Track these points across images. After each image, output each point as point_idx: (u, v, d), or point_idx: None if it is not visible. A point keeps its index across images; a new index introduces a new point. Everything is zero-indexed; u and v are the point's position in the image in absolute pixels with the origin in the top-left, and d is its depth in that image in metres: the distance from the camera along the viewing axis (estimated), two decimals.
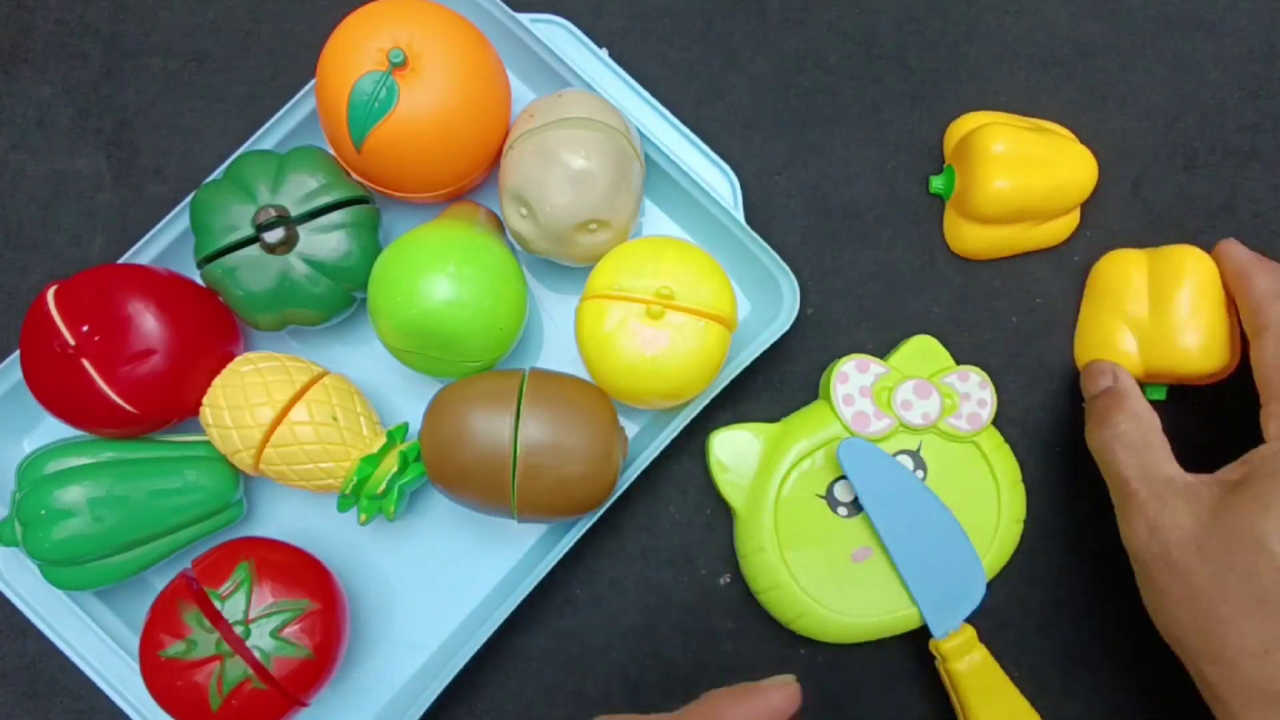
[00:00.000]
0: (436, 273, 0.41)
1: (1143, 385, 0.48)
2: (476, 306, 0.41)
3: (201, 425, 0.43)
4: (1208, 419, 0.49)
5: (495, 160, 0.45)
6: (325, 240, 0.43)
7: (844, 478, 0.44)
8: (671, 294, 0.41)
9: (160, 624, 0.40)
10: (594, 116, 0.42)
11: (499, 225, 0.46)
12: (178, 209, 0.45)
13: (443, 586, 0.46)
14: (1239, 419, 0.49)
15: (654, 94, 0.48)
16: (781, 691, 0.29)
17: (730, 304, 0.42)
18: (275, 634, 0.40)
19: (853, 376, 0.45)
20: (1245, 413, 0.49)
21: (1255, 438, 0.48)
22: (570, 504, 0.41)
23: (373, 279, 0.42)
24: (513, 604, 0.43)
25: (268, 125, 0.46)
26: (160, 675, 0.39)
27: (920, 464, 0.45)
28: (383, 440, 0.43)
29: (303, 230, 0.43)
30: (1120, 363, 0.46)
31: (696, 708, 0.29)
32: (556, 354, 0.48)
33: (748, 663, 0.47)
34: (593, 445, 0.40)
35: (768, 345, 0.45)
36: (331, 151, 0.46)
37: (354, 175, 0.45)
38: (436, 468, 0.41)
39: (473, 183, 0.46)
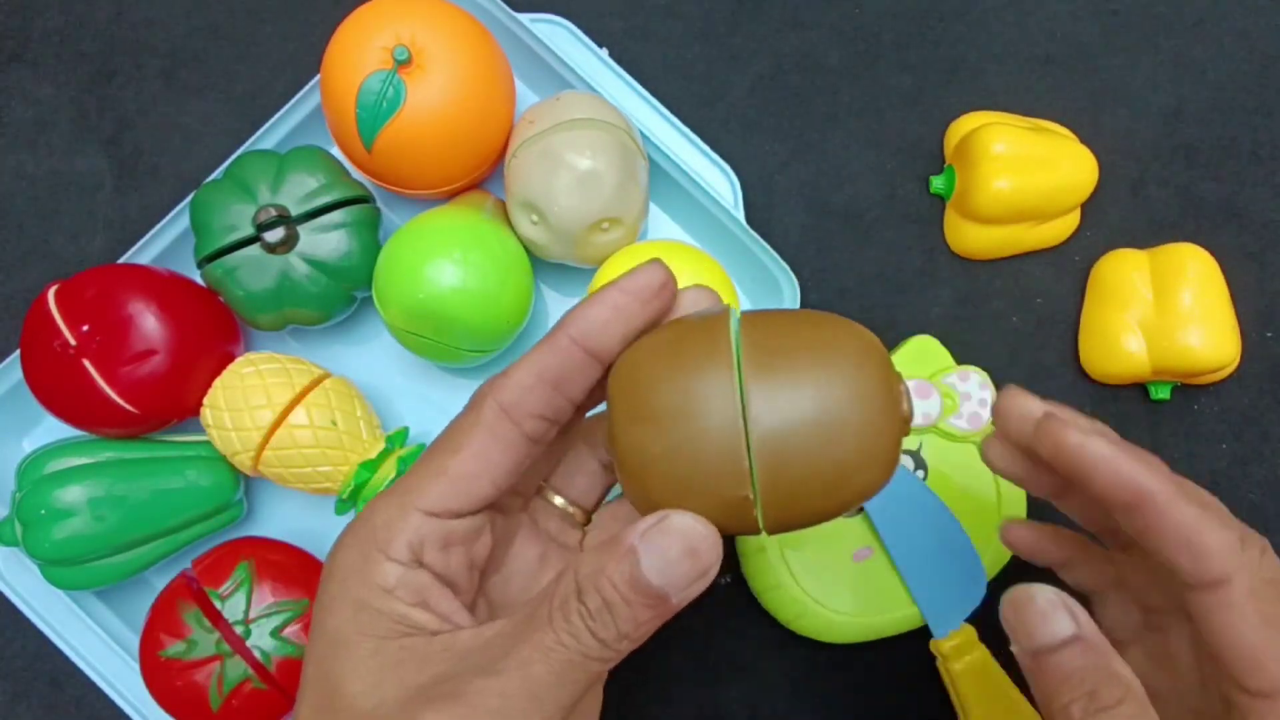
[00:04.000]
0: (443, 258, 0.41)
1: (1148, 384, 0.48)
2: (482, 294, 0.41)
3: (202, 425, 0.43)
4: (1212, 417, 0.49)
5: (504, 153, 0.45)
6: (325, 240, 0.43)
7: None
8: None
9: (160, 624, 0.40)
10: (595, 116, 0.43)
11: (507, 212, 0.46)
12: (178, 209, 0.45)
13: None
14: (1243, 416, 0.49)
15: (654, 94, 0.48)
16: (639, 274, 0.25)
17: None
18: (275, 634, 0.40)
19: None
20: (1250, 410, 0.49)
21: (1259, 436, 0.48)
22: (837, 496, 0.24)
23: (380, 262, 0.42)
24: None
25: (268, 125, 0.46)
26: (160, 675, 0.39)
27: (920, 464, 0.45)
28: (382, 445, 0.43)
29: (303, 230, 0.43)
30: (1127, 362, 0.46)
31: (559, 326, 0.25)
32: None
33: (748, 663, 0.47)
34: (857, 407, 0.23)
35: None
36: (333, 151, 0.46)
37: (362, 174, 0.45)
38: (631, 483, 0.24)
39: (482, 176, 0.46)
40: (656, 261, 0.25)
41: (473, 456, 0.24)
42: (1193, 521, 0.26)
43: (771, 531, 0.24)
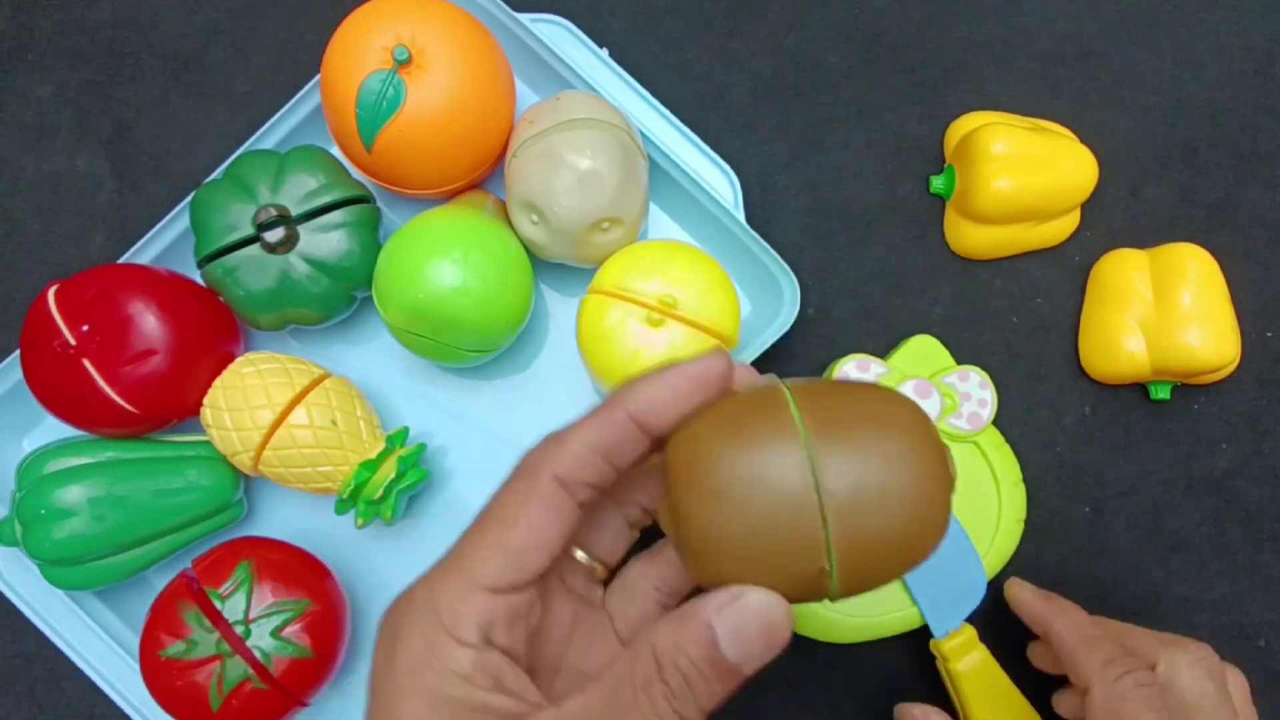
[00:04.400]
0: (443, 258, 0.41)
1: (1148, 384, 0.48)
2: (482, 293, 0.41)
3: (202, 425, 0.43)
4: (1212, 417, 0.49)
5: (504, 153, 0.45)
6: (326, 239, 0.43)
7: None
8: (675, 303, 0.41)
9: (160, 624, 0.40)
10: (595, 116, 0.42)
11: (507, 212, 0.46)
12: (178, 209, 0.45)
13: None
14: (1243, 415, 0.49)
15: (654, 94, 0.48)
16: (700, 361, 0.25)
17: (733, 322, 0.42)
18: (275, 634, 0.40)
19: (853, 376, 0.45)
20: (1250, 410, 0.49)
21: (1259, 436, 0.48)
22: (903, 561, 0.25)
23: (380, 262, 0.42)
24: None
25: (268, 125, 0.46)
26: (160, 675, 0.39)
27: None
28: (382, 445, 0.43)
29: (303, 230, 0.43)
30: (1127, 362, 0.46)
31: (615, 394, 0.26)
32: (559, 350, 0.48)
33: None
34: (918, 473, 0.24)
35: (768, 345, 0.45)
36: (334, 151, 0.46)
37: (362, 174, 0.45)
38: (699, 560, 0.24)
39: (482, 176, 0.46)
40: (720, 351, 0.26)
41: (531, 529, 0.24)
42: (1075, 644, 0.38)
43: (838, 599, 0.24)
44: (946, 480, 0.25)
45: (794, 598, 0.24)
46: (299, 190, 0.43)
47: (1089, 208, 0.49)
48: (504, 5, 0.47)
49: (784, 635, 0.23)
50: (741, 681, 0.23)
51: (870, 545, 0.23)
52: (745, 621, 0.23)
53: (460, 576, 0.24)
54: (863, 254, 0.50)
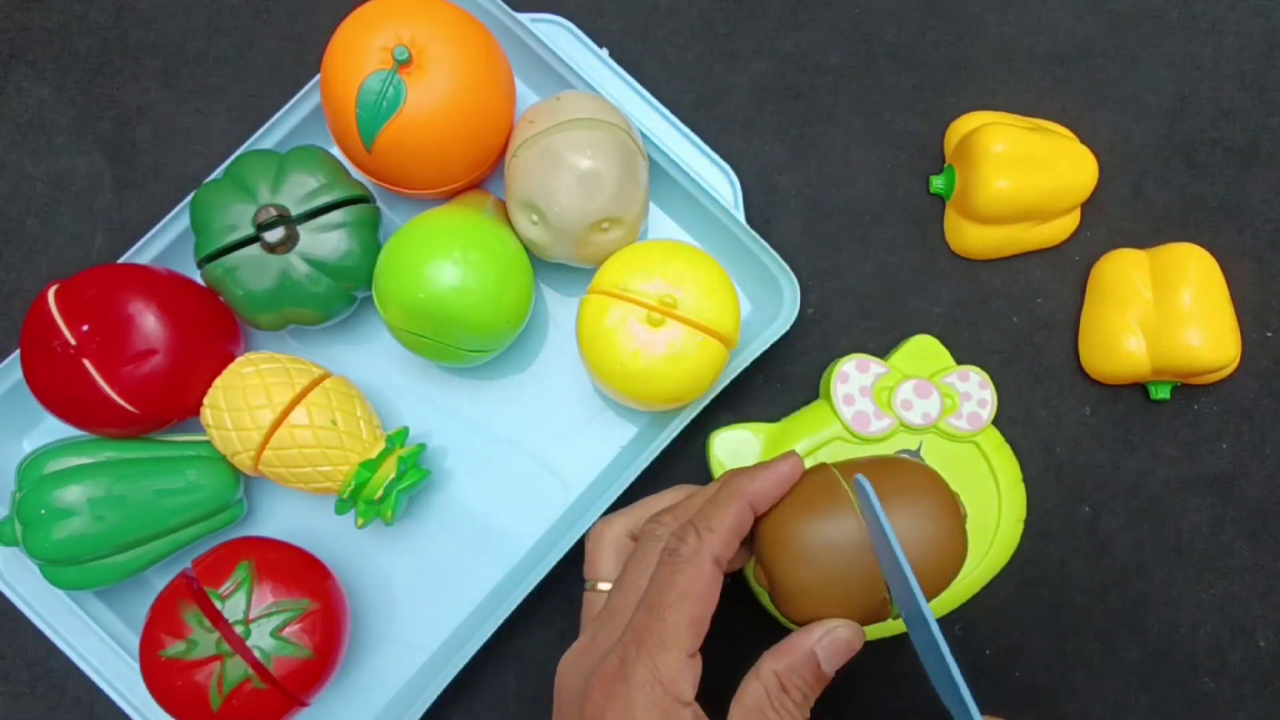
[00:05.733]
0: (443, 258, 0.41)
1: (1148, 384, 0.48)
2: (482, 294, 0.41)
3: (202, 425, 0.43)
4: (1212, 417, 0.49)
5: (504, 153, 0.45)
6: (326, 239, 0.43)
7: None
8: (675, 303, 0.41)
9: (160, 624, 0.40)
10: (595, 116, 0.42)
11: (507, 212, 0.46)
12: (178, 209, 0.45)
13: (443, 586, 0.46)
14: (1243, 415, 0.49)
15: (654, 94, 0.48)
16: (788, 460, 0.33)
17: (733, 322, 0.42)
18: (275, 634, 0.40)
19: (853, 376, 0.45)
20: (1250, 410, 0.49)
21: (1259, 437, 0.48)
22: (940, 583, 0.33)
23: (381, 262, 0.42)
24: (513, 604, 0.43)
25: (268, 125, 0.46)
26: (160, 675, 0.39)
27: None
28: (382, 445, 0.43)
29: (303, 229, 0.43)
30: (1127, 362, 0.46)
31: (717, 487, 0.33)
32: (559, 350, 0.48)
33: (749, 662, 0.47)
34: (938, 522, 0.32)
35: (768, 345, 0.45)
36: (334, 150, 0.46)
37: (362, 174, 0.45)
38: (794, 605, 0.33)
39: (481, 176, 0.46)
40: (795, 454, 0.34)
41: (707, 601, 0.31)
42: None
43: (899, 618, 0.32)
44: (959, 519, 0.33)
45: (866, 622, 0.32)
46: (299, 190, 0.43)
47: (1089, 208, 0.49)
48: (504, 5, 0.47)
49: (858, 648, 0.32)
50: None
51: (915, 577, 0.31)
52: (838, 648, 0.31)
53: (673, 652, 0.30)
54: (863, 254, 0.50)
